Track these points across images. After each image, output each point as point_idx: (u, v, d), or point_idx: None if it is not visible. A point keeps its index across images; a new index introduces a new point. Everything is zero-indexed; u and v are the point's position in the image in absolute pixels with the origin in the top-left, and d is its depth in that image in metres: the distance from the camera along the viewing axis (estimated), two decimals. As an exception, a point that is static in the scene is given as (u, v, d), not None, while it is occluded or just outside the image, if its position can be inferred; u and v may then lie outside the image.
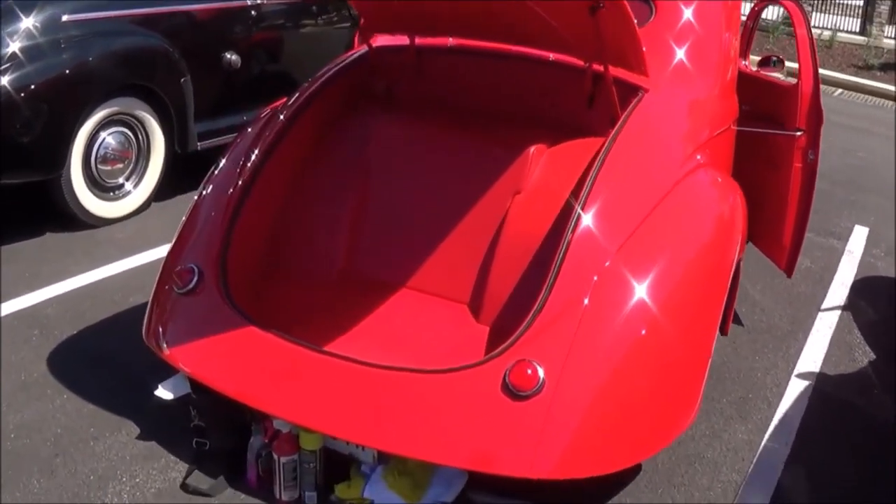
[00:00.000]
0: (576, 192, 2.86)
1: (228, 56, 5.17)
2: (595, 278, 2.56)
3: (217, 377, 2.62)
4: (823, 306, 4.62)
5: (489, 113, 3.38)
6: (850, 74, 12.22)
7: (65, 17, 4.22)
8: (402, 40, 3.52)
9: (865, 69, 12.53)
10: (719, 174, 3.26)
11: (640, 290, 2.57)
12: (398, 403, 2.45)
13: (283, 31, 5.67)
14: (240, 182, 3.06)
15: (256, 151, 3.15)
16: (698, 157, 3.13)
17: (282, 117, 3.26)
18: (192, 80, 4.89)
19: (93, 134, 4.53)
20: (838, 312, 4.56)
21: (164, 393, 2.81)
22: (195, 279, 2.80)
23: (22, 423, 3.02)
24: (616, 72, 3.04)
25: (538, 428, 2.35)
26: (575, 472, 2.38)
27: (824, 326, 4.38)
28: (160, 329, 2.81)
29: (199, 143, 5.10)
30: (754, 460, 3.20)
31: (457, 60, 3.52)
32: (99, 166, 4.63)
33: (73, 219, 4.62)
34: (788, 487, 3.08)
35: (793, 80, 4.03)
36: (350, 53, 3.65)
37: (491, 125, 3.30)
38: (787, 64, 4.50)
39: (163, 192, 5.06)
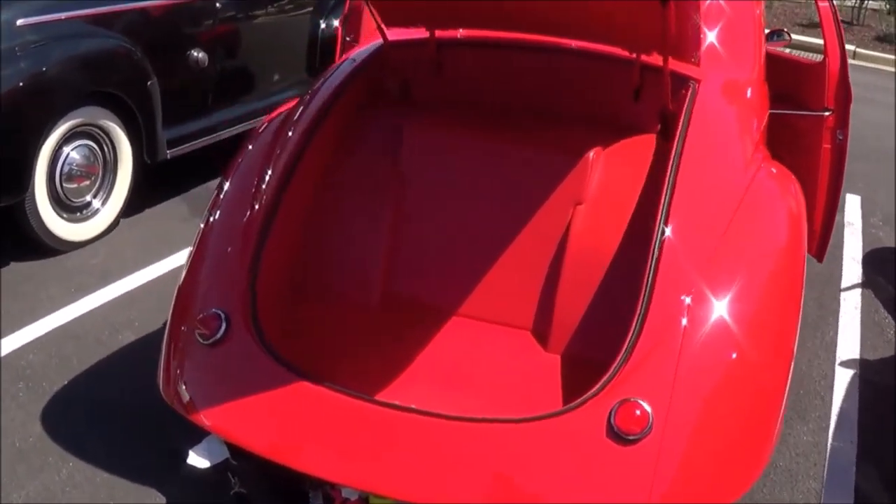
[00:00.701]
0: (646, 202, 2.59)
1: (195, 54, 4.72)
2: (688, 301, 2.30)
3: (262, 441, 2.27)
4: (843, 286, 4.50)
5: (521, 111, 3.06)
6: (797, 33, 12.22)
7: (19, 22, 3.73)
8: (420, 33, 3.17)
9: (811, 27, 12.56)
10: (774, 166, 3.03)
11: (727, 310, 2.33)
12: (485, 460, 2.14)
13: (249, 23, 5.21)
14: (257, 206, 2.66)
15: (273, 168, 2.75)
16: (757, 152, 2.88)
17: (296, 126, 2.87)
18: (158, 82, 4.44)
19: (56, 149, 4.06)
20: (859, 291, 4.45)
21: (197, 460, 2.44)
22: (223, 327, 2.40)
23: (27, 501, 2.64)
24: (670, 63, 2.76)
25: (649, 474, 2.09)
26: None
27: (850, 308, 4.26)
28: (183, 385, 2.43)
29: (168, 151, 4.65)
30: (826, 464, 3.07)
31: (480, 54, 3.17)
32: (64, 185, 4.16)
33: (39, 244, 4.15)
34: (867, 490, 2.97)
35: (818, 57, 3.82)
36: (360, 49, 3.27)
37: (531, 125, 2.98)
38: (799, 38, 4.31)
39: (130, 206, 4.62)
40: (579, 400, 2.19)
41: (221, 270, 2.59)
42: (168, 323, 2.61)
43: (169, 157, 4.67)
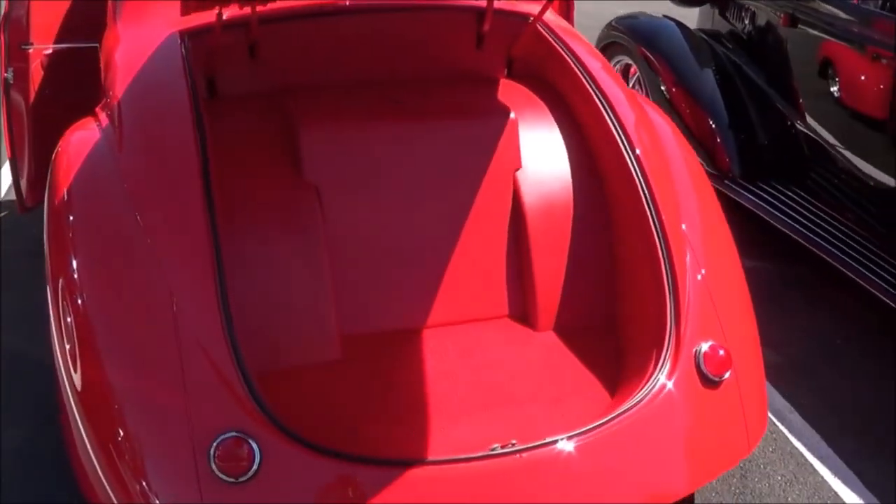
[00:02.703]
0: (573, 151, 2.53)
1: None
2: (689, 254, 2.24)
3: None
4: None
5: (367, 84, 2.67)
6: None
7: None
8: (204, 18, 2.58)
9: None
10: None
11: (705, 239, 2.37)
12: (613, 464, 1.95)
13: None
14: (192, 282, 1.99)
15: (175, 212, 2.10)
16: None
17: (166, 158, 2.20)
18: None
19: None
20: None
21: None
22: (258, 454, 1.79)
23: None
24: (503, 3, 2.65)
25: (739, 411, 2.12)
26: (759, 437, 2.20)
27: None
28: None
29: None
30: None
31: (299, 28, 2.63)
32: None
33: None
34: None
35: None
36: (151, 49, 2.49)
37: (407, 95, 2.61)
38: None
39: None
40: (662, 359, 2.09)
41: (207, 378, 1.89)
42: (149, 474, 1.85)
43: None
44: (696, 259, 2.25)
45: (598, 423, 1.96)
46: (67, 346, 2.05)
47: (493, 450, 1.90)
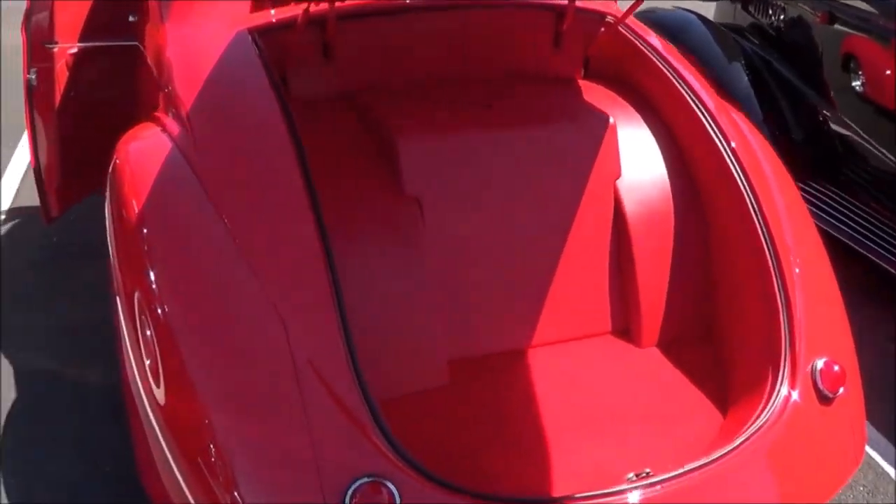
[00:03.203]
0: (670, 159, 2.42)
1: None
2: (797, 271, 2.16)
3: None
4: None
5: (443, 85, 2.56)
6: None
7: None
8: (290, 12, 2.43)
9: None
10: None
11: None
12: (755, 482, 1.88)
13: None
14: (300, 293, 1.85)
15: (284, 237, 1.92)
16: None
17: (264, 165, 2.04)
18: None
19: None
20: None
21: None
22: (397, 499, 1.66)
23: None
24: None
25: (848, 426, 2.08)
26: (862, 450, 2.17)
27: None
28: None
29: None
30: None
31: (375, 25, 2.50)
32: None
33: None
34: None
35: None
36: (217, 42, 2.32)
37: (493, 98, 2.50)
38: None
39: None
40: (780, 375, 2.01)
41: (320, 409, 1.72)
42: None
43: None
44: (802, 271, 2.17)
45: (733, 446, 1.88)
46: (148, 362, 1.92)
47: (630, 479, 1.82)
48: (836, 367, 2.04)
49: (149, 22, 2.79)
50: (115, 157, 2.31)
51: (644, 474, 1.82)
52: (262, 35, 2.32)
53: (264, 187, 2.01)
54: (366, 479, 1.67)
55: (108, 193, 2.32)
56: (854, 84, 3.59)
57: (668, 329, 2.34)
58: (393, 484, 1.67)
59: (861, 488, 2.66)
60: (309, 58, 2.40)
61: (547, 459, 1.97)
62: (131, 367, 2.07)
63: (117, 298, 2.17)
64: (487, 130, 2.37)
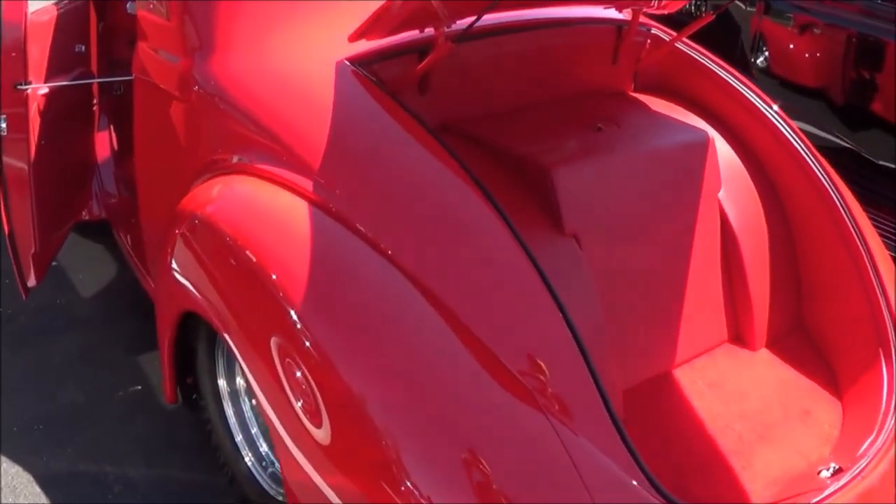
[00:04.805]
0: (755, 173, 2.49)
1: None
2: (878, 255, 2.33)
3: None
4: None
5: (530, 109, 2.50)
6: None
7: None
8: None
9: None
10: None
11: None
12: None
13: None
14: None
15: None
16: None
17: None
18: None
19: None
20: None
21: None
22: None
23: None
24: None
25: None
26: None
27: None
28: None
29: None
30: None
31: (488, 45, 2.40)
32: None
33: None
34: None
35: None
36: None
37: (594, 124, 2.45)
38: None
39: None
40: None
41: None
42: None
43: None
44: (881, 258, 2.31)
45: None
46: (300, 403, 1.74)
47: (821, 473, 1.90)
48: None
49: (157, 51, 2.43)
50: (213, 229, 2.02)
51: (831, 468, 1.90)
52: (365, 66, 2.11)
53: (472, 241, 1.83)
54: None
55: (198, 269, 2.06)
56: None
57: (773, 329, 2.42)
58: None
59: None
60: (404, 90, 2.19)
61: (744, 472, 1.98)
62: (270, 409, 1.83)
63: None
64: (617, 154, 2.30)
